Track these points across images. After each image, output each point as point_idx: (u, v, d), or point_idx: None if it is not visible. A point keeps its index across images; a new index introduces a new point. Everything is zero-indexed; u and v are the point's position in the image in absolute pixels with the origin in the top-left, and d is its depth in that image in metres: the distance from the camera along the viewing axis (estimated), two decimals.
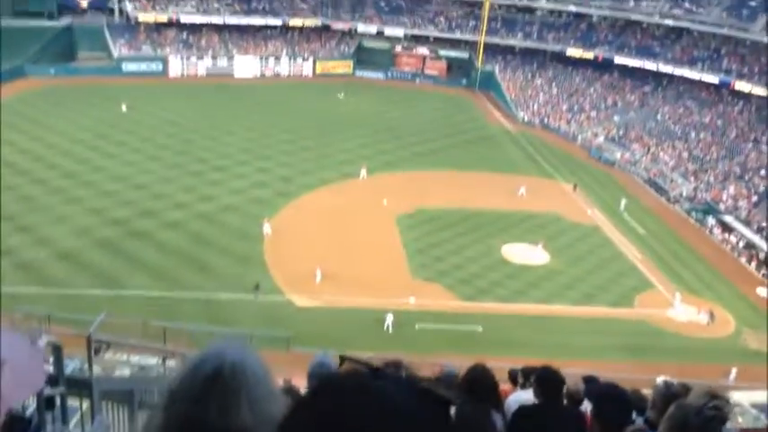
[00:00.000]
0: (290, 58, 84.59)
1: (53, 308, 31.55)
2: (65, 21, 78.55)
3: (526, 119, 73.89)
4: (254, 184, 50.11)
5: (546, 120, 73.37)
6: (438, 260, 41.19)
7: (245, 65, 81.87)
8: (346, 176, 52.84)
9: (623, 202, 52.27)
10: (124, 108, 63.32)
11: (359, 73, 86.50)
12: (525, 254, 43.27)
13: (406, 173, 55.21)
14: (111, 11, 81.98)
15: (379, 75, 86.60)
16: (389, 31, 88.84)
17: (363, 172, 52.97)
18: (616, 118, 71.50)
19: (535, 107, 76.33)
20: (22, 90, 66.17)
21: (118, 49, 77.40)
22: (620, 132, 68.64)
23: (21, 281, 34.15)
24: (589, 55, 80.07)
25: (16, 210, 42.05)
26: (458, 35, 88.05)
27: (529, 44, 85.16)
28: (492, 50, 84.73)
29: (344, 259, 39.72)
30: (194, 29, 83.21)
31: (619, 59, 77.51)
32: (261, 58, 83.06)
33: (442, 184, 52.72)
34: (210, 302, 34.81)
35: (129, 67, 75.90)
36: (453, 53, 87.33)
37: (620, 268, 43.28)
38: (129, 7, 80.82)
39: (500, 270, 41.17)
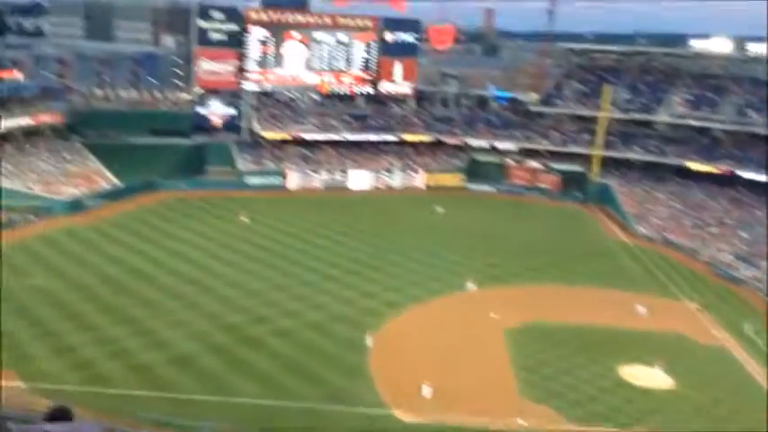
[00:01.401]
0: (402, 172, 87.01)
1: (164, 411, 32.45)
2: (197, 139, 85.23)
3: (645, 233, 71.12)
4: (363, 294, 50.45)
5: (667, 235, 70.29)
6: (548, 379, 39.14)
7: (360, 178, 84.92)
8: (455, 288, 52.26)
9: (747, 324, 48.30)
10: (245, 219, 66.66)
11: (470, 186, 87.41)
12: (646, 376, 40.36)
13: (516, 287, 53.96)
14: (240, 130, 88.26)
15: (490, 188, 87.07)
16: (501, 144, 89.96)
17: (472, 285, 52.26)
18: (742, 234, 67.45)
19: (655, 221, 73.51)
20: (153, 202, 71.40)
21: (243, 164, 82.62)
22: (748, 249, 64.48)
23: (134, 383, 35.33)
24: (712, 169, 77.18)
25: (138, 314, 44.23)
26: (572, 149, 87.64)
27: (648, 158, 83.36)
28: (608, 164, 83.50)
29: (451, 374, 38.55)
30: (313, 145, 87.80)
31: (744, 173, 74.13)
32: (374, 172, 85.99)
33: (554, 300, 50.99)
34: (316, 413, 34.44)
35: (251, 180, 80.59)
36: (567, 166, 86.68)
37: (751, 394, 39.37)
38: (255, 126, 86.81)
39: (618, 393, 38.49)
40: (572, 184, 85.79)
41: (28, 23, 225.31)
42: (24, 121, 75.33)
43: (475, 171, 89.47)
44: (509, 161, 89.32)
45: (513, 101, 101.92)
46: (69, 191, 68.29)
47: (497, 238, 66.74)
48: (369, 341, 41.88)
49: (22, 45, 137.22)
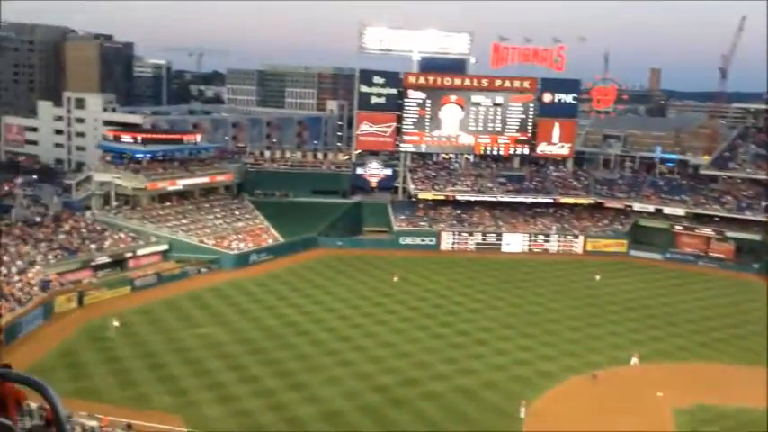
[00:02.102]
0: (558, 236, 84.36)
1: None
2: (355, 199, 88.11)
3: None
4: (515, 361, 48.70)
5: None
6: None
7: (514, 240, 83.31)
8: (616, 362, 49.04)
9: None
10: (396, 279, 67.27)
11: (633, 252, 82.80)
12: None
13: (684, 363, 49.67)
14: (396, 190, 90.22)
15: (655, 255, 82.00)
16: (668, 209, 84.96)
17: (635, 359, 48.81)
18: None
19: None
20: (312, 258, 74.13)
21: (398, 223, 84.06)
22: None
23: None
24: None
25: (295, 367, 45.52)
26: (748, 216, 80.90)
27: None
28: None
29: None
30: (467, 206, 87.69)
31: None
32: (529, 235, 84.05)
33: (728, 379, 46.27)
34: None
35: (405, 240, 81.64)
36: (743, 235, 79.96)
37: None
38: (411, 187, 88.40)
39: None
40: (749, 253, 78.83)
41: (209, 91, 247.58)
42: (202, 179, 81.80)
43: (639, 237, 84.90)
44: (677, 227, 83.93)
45: (681, 163, 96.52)
46: (238, 245, 72.65)
47: (663, 310, 62.30)
48: (522, 412, 40.01)
49: (202, 111, 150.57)
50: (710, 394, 43.50)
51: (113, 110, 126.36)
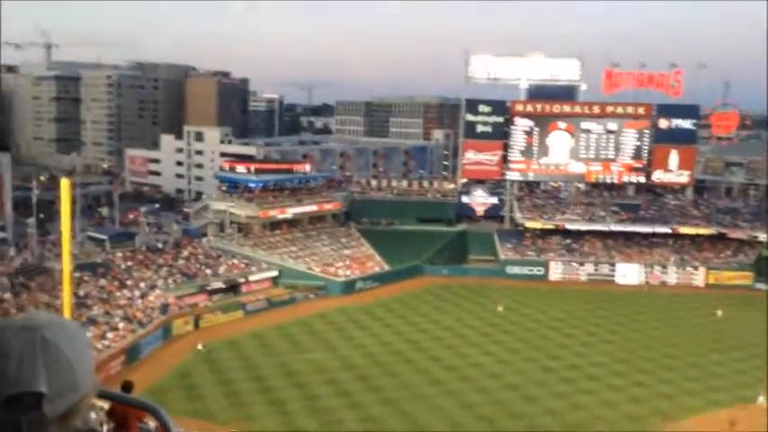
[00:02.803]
0: (677, 267, 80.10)
1: None
2: (461, 227, 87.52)
3: None
4: (629, 398, 46.32)
5: None
6: None
7: (628, 272, 79.80)
8: (742, 400, 45.66)
9: None
10: (500, 308, 65.92)
11: (760, 285, 77.32)
12: None
13: None
14: (502, 218, 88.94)
15: None
16: None
17: (763, 398, 45.28)
18: None
19: None
20: (418, 287, 74.00)
21: (504, 252, 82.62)
22: None
23: None
24: None
25: (398, 395, 45.36)
26: None
27: None
28: None
29: None
30: (577, 235, 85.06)
31: None
32: (645, 266, 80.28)
33: None
34: None
35: (512, 269, 79.99)
36: None
37: None
38: (518, 215, 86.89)
39: None
40: None
41: (318, 122, 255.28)
42: (310, 208, 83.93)
43: (765, 269, 79.22)
44: None
45: None
46: (344, 273, 73.72)
47: None
48: None
49: (312, 141, 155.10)
50: None
51: (229, 142, 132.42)
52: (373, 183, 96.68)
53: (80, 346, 2.17)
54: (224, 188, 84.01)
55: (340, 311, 64.96)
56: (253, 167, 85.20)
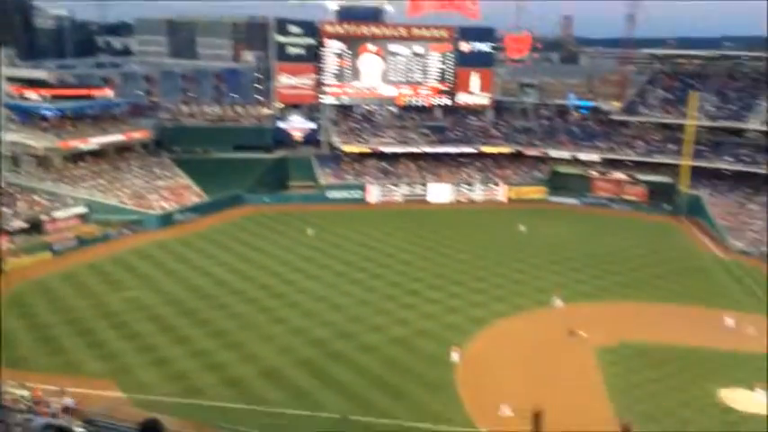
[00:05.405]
0: (482, 185, 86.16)
1: (254, 424, 32.93)
2: (279, 153, 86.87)
3: (741, 248, 67.87)
4: (446, 309, 50.01)
5: (764, 248, 66.83)
6: (643, 402, 37.54)
7: (440, 191, 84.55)
8: (541, 304, 51.16)
9: None
10: (310, 232, 67.10)
11: (553, 198, 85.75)
12: (747, 400, 38.23)
13: (605, 303, 52.36)
14: (320, 143, 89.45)
15: (573, 200, 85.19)
16: (584, 155, 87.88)
17: (559, 301, 51.04)
18: None
19: (751, 234, 70.10)
20: (238, 216, 73.12)
21: (324, 177, 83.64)
22: None
23: (227, 396, 36.05)
24: None
25: (227, 326, 45.29)
26: (658, 159, 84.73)
27: (740, 167, 79.75)
28: (698, 174, 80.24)
29: (540, 393, 37.55)
30: (393, 158, 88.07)
31: None
32: (454, 185, 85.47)
33: (645, 317, 49.20)
34: (402, 429, 34.18)
35: (332, 194, 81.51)
36: (654, 177, 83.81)
37: None
38: (335, 140, 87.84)
39: (718, 418, 36.59)
40: (660, 195, 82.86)
41: (116, 42, 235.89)
42: (116, 137, 78.58)
43: (557, 183, 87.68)
44: (592, 173, 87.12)
45: (594, 110, 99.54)
46: (160, 205, 70.70)
47: (583, 253, 65.07)
48: (454, 357, 41.39)
49: (111, 64, 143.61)
50: (632, 332, 46.16)
51: (15, 65, 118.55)
52: (184, 109, 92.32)
53: None
54: (14, 117, 75.78)
55: (158, 246, 62.66)
56: (47, 93, 77.43)
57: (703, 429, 35.16)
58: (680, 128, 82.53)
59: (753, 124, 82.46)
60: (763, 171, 77.97)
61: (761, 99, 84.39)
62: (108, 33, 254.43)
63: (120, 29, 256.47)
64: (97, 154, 76.78)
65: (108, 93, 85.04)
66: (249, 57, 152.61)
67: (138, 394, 35.74)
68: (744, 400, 38.33)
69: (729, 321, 48.01)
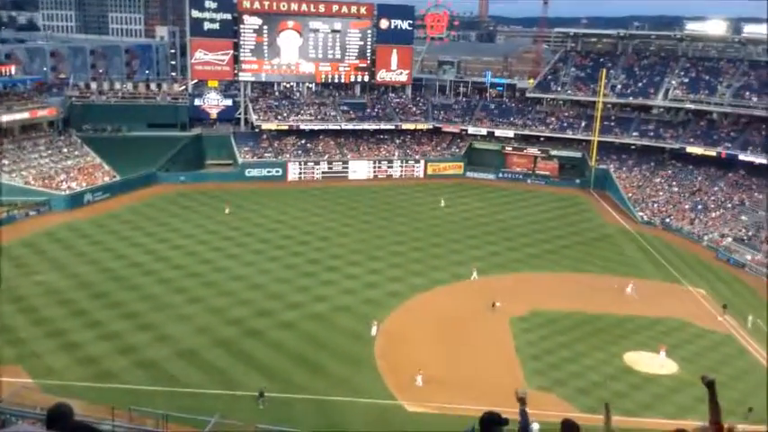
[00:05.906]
0: (401, 161, 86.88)
1: (169, 406, 32.41)
2: (195, 131, 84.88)
3: (645, 219, 71.27)
4: (365, 284, 50.48)
5: (667, 220, 70.43)
6: (554, 367, 39.26)
7: (359, 168, 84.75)
8: (458, 278, 52.33)
9: (750, 308, 48.46)
10: (227, 211, 66.25)
11: (470, 174, 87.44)
12: (651, 363, 40.51)
13: (519, 274, 54.10)
14: (238, 121, 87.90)
15: (489, 175, 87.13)
16: (499, 131, 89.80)
17: (475, 273, 52.33)
18: (744, 218, 67.62)
19: (655, 207, 73.63)
20: (152, 195, 71.20)
21: (242, 155, 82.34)
22: (750, 233, 64.65)
23: (141, 378, 35.40)
24: (711, 152, 77.20)
25: (141, 308, 44.25)
26: (569, 135, 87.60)
27: (645, 142, 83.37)
28: (606, 149, 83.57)
29: (456, 363, 38.68)
30: (312, 135, 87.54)
31: (744, 156, 74.16)
32: (374, 162, 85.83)
33: (557, 287, 51.15)
34: (322, 404, 34.53)
35: (251, 172, 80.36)
36: (565, 153, 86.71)
37: (759, 380, 39.53)
38: (253, 117, 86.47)
39: (624, 380, 38.62)
40: (571, 170, 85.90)
41: (20, 17, 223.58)
42: (21, 115, 74.86)
43: (474, 159, 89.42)
44: (507, 148, 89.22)
45: (510, 87, 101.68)
46: (69, 185, 68.05)
47: (498, 226, 66.81)
48: (373, 331, 41.96)
49: (15, 39, 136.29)
50: (543, 301, 47.92)
51: None
52: (93, 86, 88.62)
53: None
54: None
55: (68, 227, 60.38)
56: None
57: (609, 390, 36.96)
58: (591, 104, 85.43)
59: (659, 101, 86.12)
60: (667, 145, 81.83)
61: (667, 76, 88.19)
62: (12, 8, 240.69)
63: (25, 3, 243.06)
64: (1, 132, 72.95)
65: (12, 69, 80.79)
66: (163, 32, 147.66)
67: (47, 380, 34.62)
68: (647, 362, 40.54)
69: (633, 288, 50.50)
